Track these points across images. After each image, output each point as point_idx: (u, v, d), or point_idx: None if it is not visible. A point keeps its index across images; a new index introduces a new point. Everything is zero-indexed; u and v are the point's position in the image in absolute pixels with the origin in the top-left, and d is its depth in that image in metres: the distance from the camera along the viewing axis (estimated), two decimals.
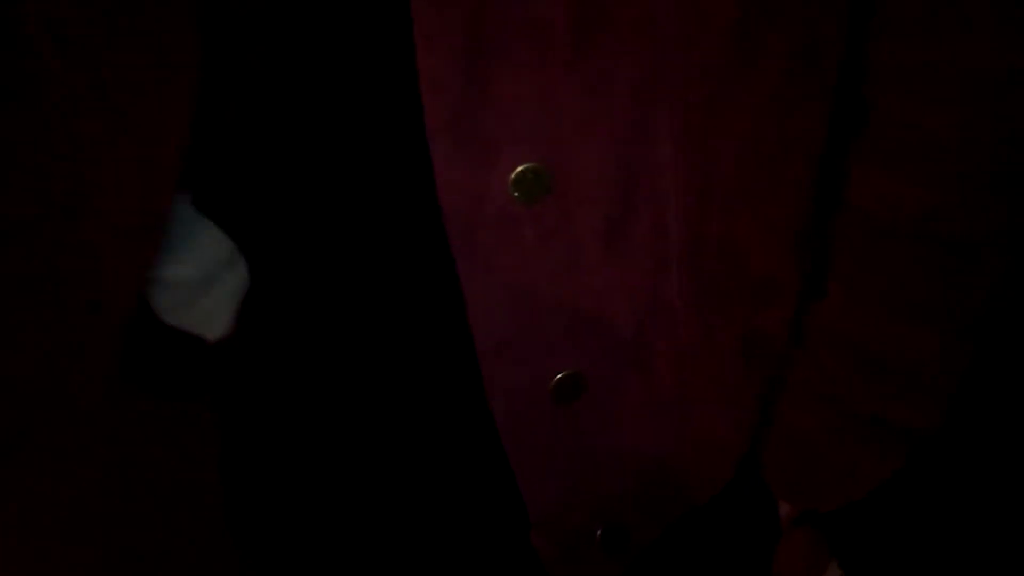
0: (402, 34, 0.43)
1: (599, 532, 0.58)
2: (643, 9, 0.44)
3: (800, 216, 0.54)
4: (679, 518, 0.61)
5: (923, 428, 0.57)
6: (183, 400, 0.63)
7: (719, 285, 0.53)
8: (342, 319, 0.54)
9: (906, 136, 0.51)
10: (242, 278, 0.58)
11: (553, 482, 0.55)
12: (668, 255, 0.50)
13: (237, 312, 0.60)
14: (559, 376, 0.52)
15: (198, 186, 0.55)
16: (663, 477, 0.58)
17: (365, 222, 0.51)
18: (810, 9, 0.47)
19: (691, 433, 0.57)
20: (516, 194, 0.47)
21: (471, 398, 0.52)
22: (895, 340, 0.55)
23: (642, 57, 0.45)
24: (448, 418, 0.55)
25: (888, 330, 0.55)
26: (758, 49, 0.47)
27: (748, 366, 0.57)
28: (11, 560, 0.58)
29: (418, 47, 0.43)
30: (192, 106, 0.47)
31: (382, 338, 0.54)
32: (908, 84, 0.50)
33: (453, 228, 0.47)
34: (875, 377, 0.56)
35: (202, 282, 0.58)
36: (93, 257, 0.53)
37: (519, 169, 0.46)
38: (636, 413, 0.55)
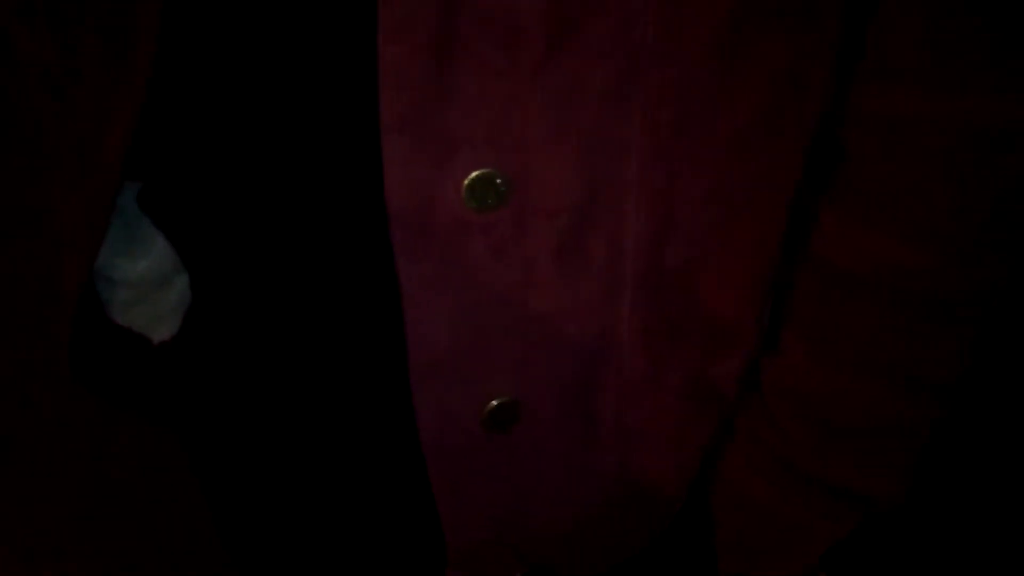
0: (364, 22, 0.41)
1: (519, 575, 0.54)
2: (620, 19, 0.42)
3: (765, 262, 0.51)
4: (607, 570, 0.58)
5: (882, 498, 0.55)
6: (127, 404, 0.62)
7: (672, 323, 0.50)
8: (278, 321, 0.51)
9: (887, 188, 0.49)
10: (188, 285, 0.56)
11: (477, 515, 0.52)
12: (622, 283, 0.48)
13: (183, 315, 0.58)
14: (493, 403, 0.49)
15: (145, 180, 0.53)
16: (593, 521, 0.55)
17: (308, 221, 0.48)
18: (796, 43, 0.45)
19: (627, 476, 0.54)
20: (470, 201, 0.44)
21: (400, 418, 0.49)
22: (859, 404, 0.52)
23: (615, 69, 0.43)
24: (375, 438, 0.52)
25: (853, 393, 0.52)
26: (737, 75, 0.45)
27: (694, 413, 0.54)
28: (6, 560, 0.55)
29: (381, 35, 0.40)
30: (142, 90, 0.45)
31: (317, 345, 0.51)
32: (895, 134, 0.48)
33: (399, 233, 0.44)
34: (836, 443, 0.53)
35: (155, 282, 0.55)
36: (43, 248, 0.51)
37: (475, 174, 0.43)
38: (570, 449, 0.52)
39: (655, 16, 0.42)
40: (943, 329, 0.50)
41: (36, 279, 0.59)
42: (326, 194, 0.46)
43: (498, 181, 0.44)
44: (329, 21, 0.43)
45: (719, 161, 0.47)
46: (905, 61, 0.46)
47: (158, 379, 0.61)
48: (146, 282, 0.56)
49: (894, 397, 0.52)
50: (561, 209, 0.45)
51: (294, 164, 0.46)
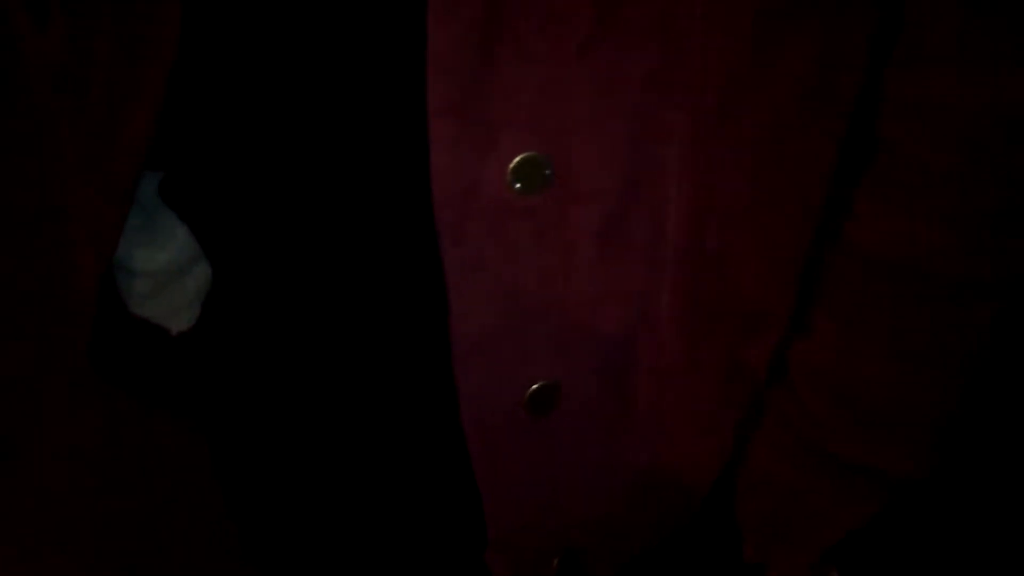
0: (412, 10, 0.41)
1: (557, 559, 0.55)
2: (665, 3, 0.42)
3: (800, 246, 0.52)
4: (639, 555, 0.58)
5: (907, 475, 0.55)
6: (146, 396, 0.62)
7: (709, 306, 0.51)
8: (319, 309, 0.51)
9: (919, 173, 0.49)
10: (207, 272, 0.56)
11: (517, 498, 0.52)
12: (662, 265, 0.48)
13: (202, 306, 0.58)
14: (535, 386, 0.49)
15: (173, 170, 0.53)
16: (628, 505, 0.55)
17: (351, 208, 0.48)
18: (833, 26, 0.46)
19: (662, 458, 0.54)
20: (514, 184, 0.44)
21: (442, 402, 0.49)
22: (887, 386, 0.53)
23: (658, 53, 0.43)
24: (417, 422, 0.52)
25: (881, 375, 0.53)
26: (778, 58, 0.45)
27: (727, 396, 0.54)
28: (5, 561, 0.55)
29: (431, 19, 0.41)
30: (161, 85, 0.45)
31: (357, 331, 0.51)
32: (928, 118, 0.48)
33: (444, 217, 0.44)
34: (862, 424, 0.54)
35: (174, 273, 0.55)
36: (61, 242, 0.51)
37: (519, 158, 0.44)
38: (609, 431, 0.52)
39: (699, 1, 0.42)
40: (967, 310, 0.51)
41: (55, 273, 0.58)
42: (371, 180, 0.47)
43: (542, 164, 0.44)
44: (374, 5, 0.43)
45: (758, 144, 0.47)
46: (940, 46, 0.47)
47: (177, 370, 0.61)
48: (165, 273, 0.56)
49: (922, 378, 0.53)
50: (603, 192, 0.46)
51: (337, 149, 0.46)
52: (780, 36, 0.45)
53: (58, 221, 0.58)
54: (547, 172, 0.44)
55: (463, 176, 0.44)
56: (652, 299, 0.49)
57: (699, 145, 0.46)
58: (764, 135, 0.47)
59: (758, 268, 0.51)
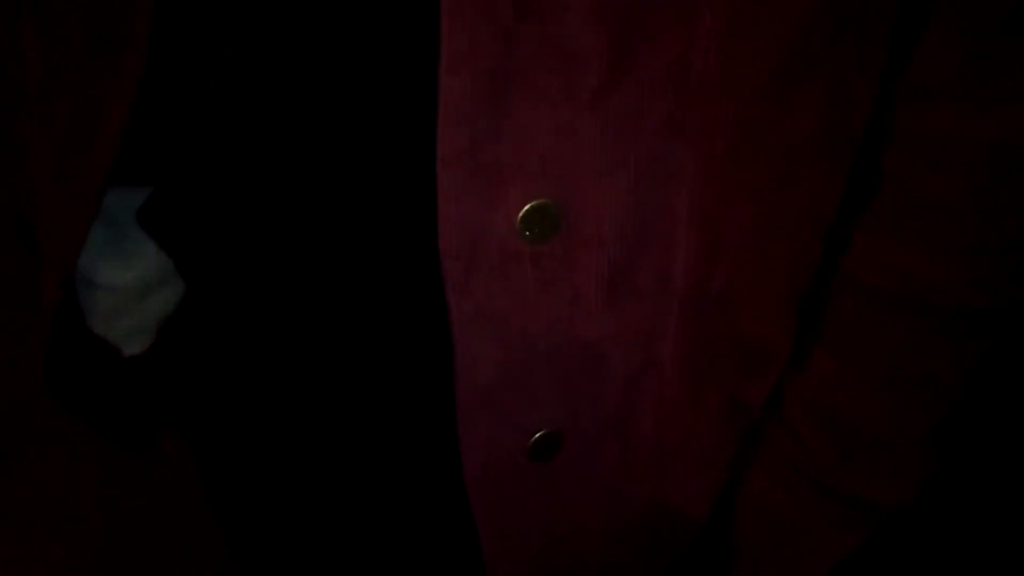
0: (424, 55, 0.39)
1: None
2: (679, 51, 0.41)
3: (802, 284, 0.51)
4: None
5: (895, 507, 0.55)
6: (97, 420, 0.60)
7: (713, 347, 0.50)
8: (321, 358, 0.50)
9: (920, 206, 0.49)
10: (172, 298, 0.54)
11: (518, 545, 0.51)
12: (668, 310, 0.47)
13: (157, 332, 0.56)
14: (539, 433, 0.48)
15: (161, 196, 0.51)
16: (628, 541, 0.55)
17: (356, 259, 0.46)
18: (846, 72, 0.45)
19: (662, 497, 0.54)
20: (523, 232, 0.43)
21: (444, 453, 0.48)
22: (882, 417, 0.53)
23: (671, 100, 0.42)
24: (418, 471, 0.51)
25: (876, 406, 0.53)
26: (790, 105, 0.44)
27: (726, 434, 0.54)
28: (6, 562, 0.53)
29: (443, 68, 0.39)
30: (130, 95, 0.42)
31: (361, 381, 0.50)
32: (929, 153, 0.48)
33: (450, 268, 0.43)
34: (857, 455, 0.54)
35: (138, 291, 0.53)
36: (23, 252, 0.49)
37: (529, 206, 0.42)
38: (610, 472, 0.51)
39: (715, 48, 0.41)
40: (965, 343, 0.51)
41: (16, 282, 0.56)
42: (375, 229, 0.45)
43: (551, 212, 0.43)
44: (386, 52, 0.41)
45: (768, 187, 0.46)
46: (943, 81, 0.46)
47: (125, 393, 0.59)
48: (129, 291, 0.54)
49: (915, 409, 0.53)
50: (612, 239, 0.45)
51: (343, 198, 0.45)
52: (794, 82, 0.44)
53: (24, 230, 0.55)
54: (557, 220, 0.43)
55: (471, 225, 0.42)
56: (657, 342, 0.48)
57: (709, 190, 0.45)
58: (775, 177, 0.46)
59: (761, 307, 0.50)
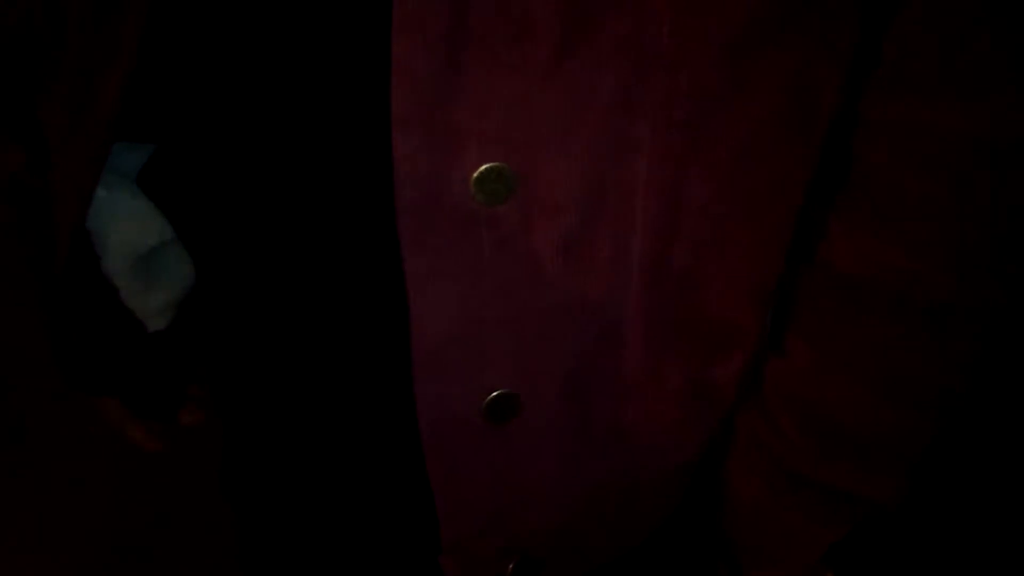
0: (377, 17, 0.41)
1: (511, 565, 0.55)
2: (635, 21, 0.42)
3: (770, 267, 0.51)
4: (600, 568, 0.58)
5: (880, 501, 0.55)
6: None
7: (674, 324, 0.50)
8: (278, 313, 0.51)
9: (896, 198, 0.49)
10: (189, 273, 0.56)
11: (472, 503, 0.52)
12: (627, 281, 0.48)
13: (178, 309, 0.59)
14: (493, 394, 0.49)
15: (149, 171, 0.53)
16: (586, 517, 0.55)
17: (314, 213, 0.48)
18: (809, 50, 0.45)
19: (622, 475, 0.54)
20: (478, 194, 0.44)
21: (399, 407, 0.49)
22: (861, 410, 0.53)
23: (627, 69, 0.43)
24: (373, 425, 0.52)
25: (855, 399, 0.53)
26: (750, 79, 0.45)
27: (693, 415, 0.54)
28: (12, 550, 0.56)
29: (394, 30, 0.40)
30: (132, 57, 0.45)
31: (317, 336, 0.51)
32: (903, 143, 0.48)
33: (405, 225, 0.44)
34: (836, 448, 0.53)
35: (172, 258, 0.56)
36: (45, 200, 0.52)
37: (483, 167, 0.44)
38: (567, 444, 0.52)
39: (670, 19, 0.42)
40: (943, 338, 0.51)
41: (43, 236, 0.58)
42: (333, 186, 0.47)
43: (506, 175, 0.44)
44: (342, 15, 0.43)
45: (728, 164, 0.47)
46: (918, 72, 0.47)
47: (147, 367, 0.62)
48: (164, 255, 0.56)
49: (895, 404, 0.52)
50: (568, 205, 0.45)
51: (302, 156, 0.46)
52: (752, 59, 0.44)
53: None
54: (511, 183, 0.44)
55: (426, 185, 0.44)
56: (615, 314, 0.49)
57: (667, 162, 0.45)
58: (735, 154, 0.47)
59: (727, 287, 0.51)
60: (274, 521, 0.59)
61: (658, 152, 0.45)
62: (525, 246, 0.46)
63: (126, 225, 0.55)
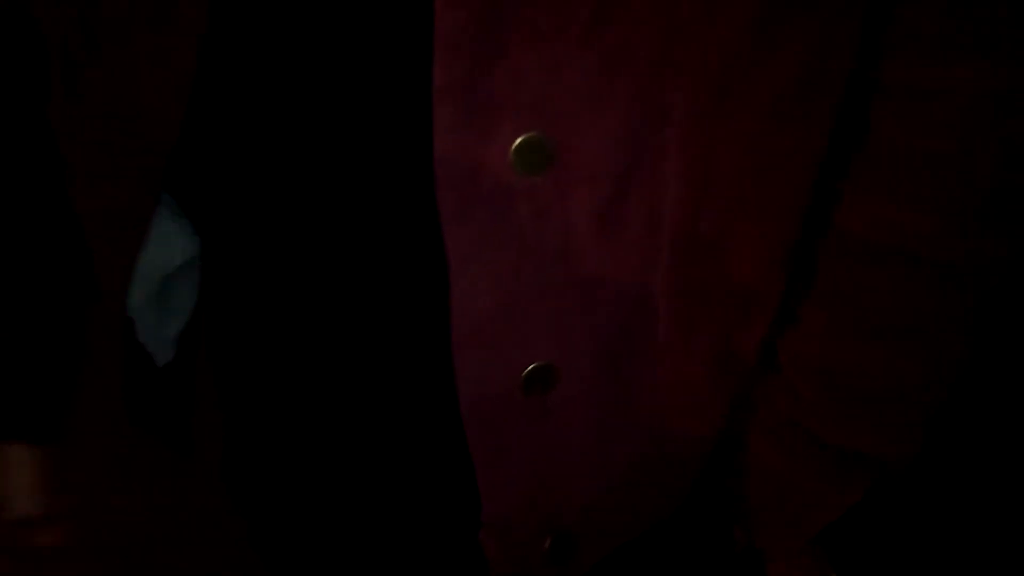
0: None
1: (548, 540, 0.55)
2: None
3: (790, 230, 0.53)
4: (630, 540, 0.58)
5: (894, 461, 0.56)
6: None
7: (703, 290, 0.51)
8: (318, 291, 0.51)
9: (907, 159, 0.50)
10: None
11: (512, 478, 0.52)
12: (658, 248, 0.49)
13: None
14: (532, 366, 0.49)
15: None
16: (621, 488, 0.56)
17: (354, 192, 0.48)
18: (831, 11, 0.47)
19: (656, 442, 0.55)
20: (516, 166, 0.45)
21: (440, 384, 0.49)
22: (875, 370, 0.54)
23: (660, 35, 0.44)
24: (414, 404, 0.52)
25: (869, 360, 0.54)
26: (776, 43, 0.46)
27: (718, 380, 0.55)
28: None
29: (439, 4, 0.41)
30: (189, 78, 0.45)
31: (357, 315, 0.51)
32: (916, 105, 0.49)
33: (446, 199, 0.45)
34: (851, 409, 0.55)
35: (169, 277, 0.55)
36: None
37: (522, 138, 0.44)
38: (605, 413, 0.53)
39: None
40: (959, 296, 0.52)
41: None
42: (372, 164, 0.47)
43: (543, 145, 0.44)
44: None
45: (753, 129, 0.48)
46: (929, 34, 0.48)
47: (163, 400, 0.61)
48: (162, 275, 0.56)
49: (908, 363, 0.54)
50: (603, 174, 0.46)
51: (340, 133, 0.46)
52: (778, 23, 0.45)
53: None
54: (549, 153, 0.45)
55: (465, 158, 0.44)
56: (647, 282, 0.50)
57: (697, 128, 0.46)
58: (759, 119, 0.48)
59: (750, 252, 0.52)
60: (301, 510, 0.58)
61: (688, 118, 0.46)
62: (561, 217, 0.46)
63: (154, 247, 0.53)
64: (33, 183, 0.52)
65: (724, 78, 0.46)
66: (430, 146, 0.44)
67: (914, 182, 0.51)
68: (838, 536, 0.64)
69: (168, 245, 0.54)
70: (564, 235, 0.47)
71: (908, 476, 0.60)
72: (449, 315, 0.47)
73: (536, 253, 0.47)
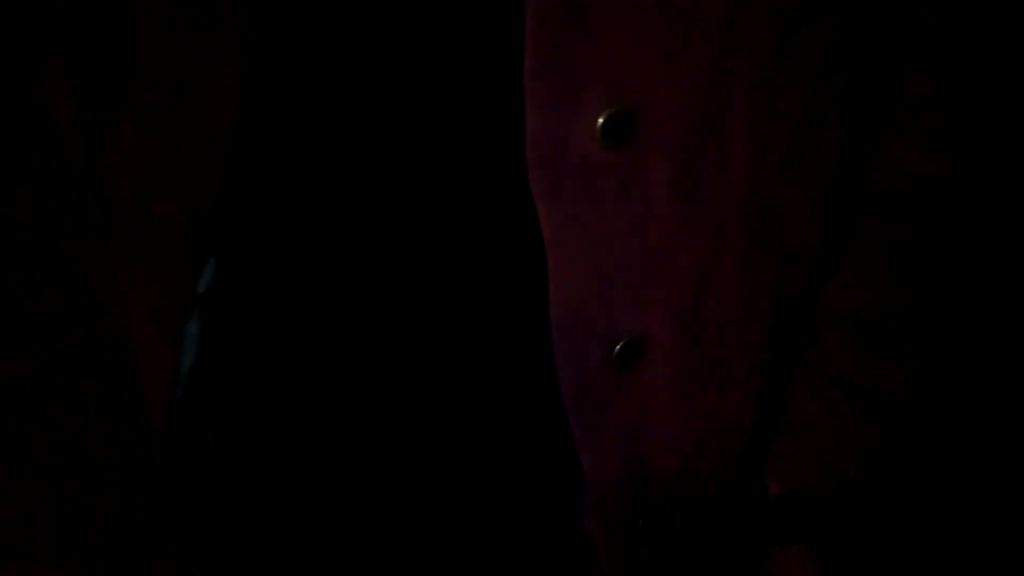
0: None
1: (641, 519, 0.55)
2: None
3: (832, 185, 0.55)
4: (701, 510, 0.59)
5: (908, 395, 0.60)
6: None
7: (762, 249, 0.53)
8: (415, 278, 0.50)
9: (924, 103, 0.54)
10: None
11: (612, 457, 0.53)
12: (728, 213, 0.50)
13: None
14: (623, 342, 0.50)
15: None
16: (698, 452, 0.57)
17: (446, 180, 0.48)
18: None
19: (723, 405, 0.56)
20: (603, 141, 0.45)
21: (538, 369, 0.49)
22: (895, 310, 0.58)
23: (725, 1, 0.45)
24: (514, 390, 0.52)
25: (888, 301, 0.58)
26: (824, 6, 0.48)
27: (773, 340, 0.57)
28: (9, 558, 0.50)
29: None
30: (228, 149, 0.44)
31: (452, 301, 0.50)
32: (939, 51, 0.53)
33: (539, 178, 0.45)
34: (872, 351, 0.58)
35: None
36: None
37: (607, 112, 0.45)
38: (685, 380, 0.54)
39: None
40: (951, 231, 0.57)
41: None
42: (463, 146, 0.46)
43: (626, 119, 0.45)
44: None
45: (806, 90, 0.50)
46: None
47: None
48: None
49: (925, 301, 0.58)
50: (678, 143, 0.47)
51: (431, 118, 0.46)
52: None
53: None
54: (632, 126, 0.46)
55: (555, 136, 0.44)
56: (718, 247, 0.51)
57: (760, 92, 0.48)
58: (814, 78, 0.50)
59: (800, 208, 0.54)
60: (403, 495, 0.56)
61: (752, 82, 0.48)
62: (642, 188, 0.47)
63: None
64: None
65: (784, 41, 0.48)
66: (520, 127, 0.44)
67: (929, 128, 0.54)
68: (837, 536, 0.67)
69: None
70: (645, 206, 0.48)
71: (907, 476, 0.63)
72: (546, 298, 0.47)
73: (621, 227, 0.48)
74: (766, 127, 0.49)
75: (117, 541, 0.54)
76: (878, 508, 0.65)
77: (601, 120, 0.45)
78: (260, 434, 0.58)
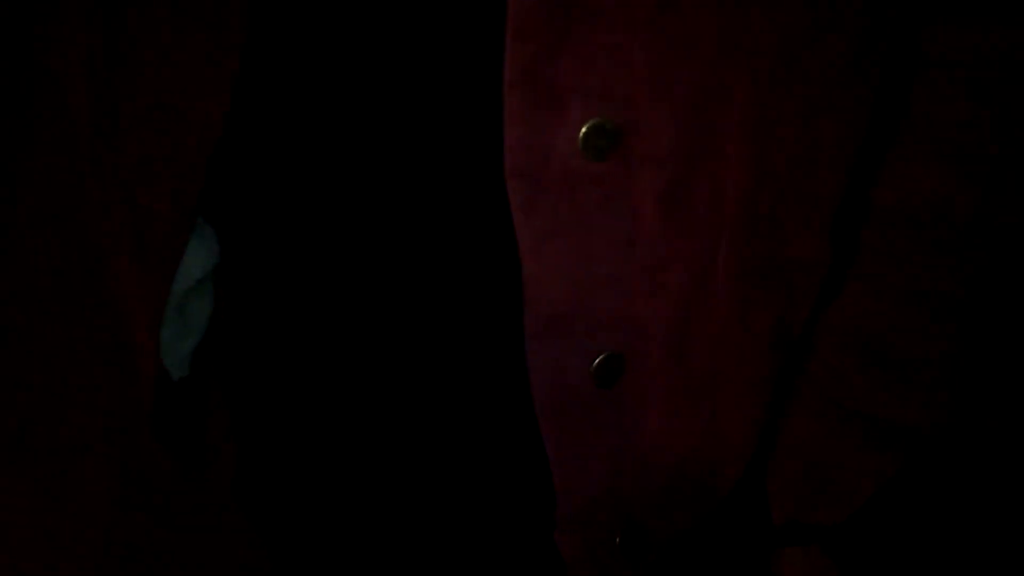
0: None
1: (619, 536, 0.54)
2: None
3: (835, 205, 0.54)
4: (690, 528, 0.58)
5: (927, 429, 0.57)
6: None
7: (761, 267, 0.52)
8: (390, 287, 0.50)
9: (942, 126, 0.52)
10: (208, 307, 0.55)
11: (586, 474, 0.52)
12: (720, 230, 0.49)
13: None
14: (601, 357, 0.49)
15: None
16: (684, 472, 0.55)
17: (423, 186, 0.47)
18: None
19: (715, 426, 0.55)
20: (585, 152, 0.44)
21: (513, 381, 0.48)
22: (906, 336, 0.55)
23: (722, 20, 0.44)
24: (487, 403, 0.51)
25: (900, 326, 0.55)
26: (827, 24, 0.47)
27: (773, 360, 0.55)
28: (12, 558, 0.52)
29: None
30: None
31: (429, 309, 0.50)
32: (951, 73, 0.51)
33: (516, 187, 0.44)
34: (884, 377, 0.56)
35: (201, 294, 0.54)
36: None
37: (589, 123, 0.44)
38: (668, 400, 0.52)
39: None
40: (970, 256, 0.54)
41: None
42: (440, 156, 0.46)
43: (610, 131, 0.44)
44: None
45: (807, 108, 0.49)
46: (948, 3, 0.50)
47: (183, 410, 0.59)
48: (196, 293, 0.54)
49: (938, 328, 0.55)
50: (668, 157, 0.46)
51: (408, 127, 0.46)
52: (833, 3, 0.46)
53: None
54: (616, 138, 0.45)
55: (534, 146, 0.44)
56: (709, 263, 0.50)
57: (756, 111, 0.47)
58: (813, 97, 0.48)
59: (801, 227, 0.52)
60: (374, 505, 0.56)
61: (749, 100, 0.47)
62: (628, 201, 0.46)
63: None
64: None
65: (782, 57, 0.46)
66: (499, 135, 0.43)
67: (941, 147, 0.52)
68: (842, 536, 0.65)
69: (188, 258, 0.52)
70: (630, 220, 0.47)
71: (911, 475, 0.61)
72: (520, 307, 0.46)
73: (603, 239, 0.47)
74: (764, 143, 0.48)
75: (111, 526, 0.55)
76: (883, 506, 0.62)
77: (584, 131, 0.44)
78: (254, 419, 0.59)
